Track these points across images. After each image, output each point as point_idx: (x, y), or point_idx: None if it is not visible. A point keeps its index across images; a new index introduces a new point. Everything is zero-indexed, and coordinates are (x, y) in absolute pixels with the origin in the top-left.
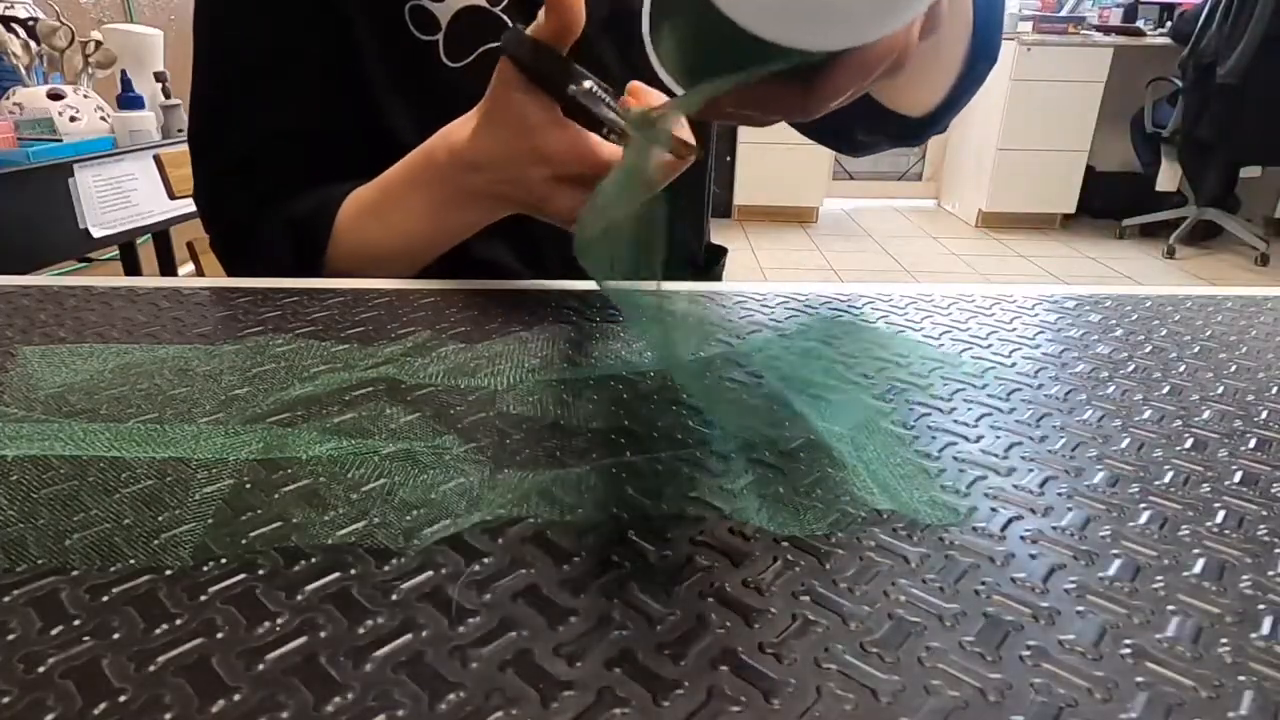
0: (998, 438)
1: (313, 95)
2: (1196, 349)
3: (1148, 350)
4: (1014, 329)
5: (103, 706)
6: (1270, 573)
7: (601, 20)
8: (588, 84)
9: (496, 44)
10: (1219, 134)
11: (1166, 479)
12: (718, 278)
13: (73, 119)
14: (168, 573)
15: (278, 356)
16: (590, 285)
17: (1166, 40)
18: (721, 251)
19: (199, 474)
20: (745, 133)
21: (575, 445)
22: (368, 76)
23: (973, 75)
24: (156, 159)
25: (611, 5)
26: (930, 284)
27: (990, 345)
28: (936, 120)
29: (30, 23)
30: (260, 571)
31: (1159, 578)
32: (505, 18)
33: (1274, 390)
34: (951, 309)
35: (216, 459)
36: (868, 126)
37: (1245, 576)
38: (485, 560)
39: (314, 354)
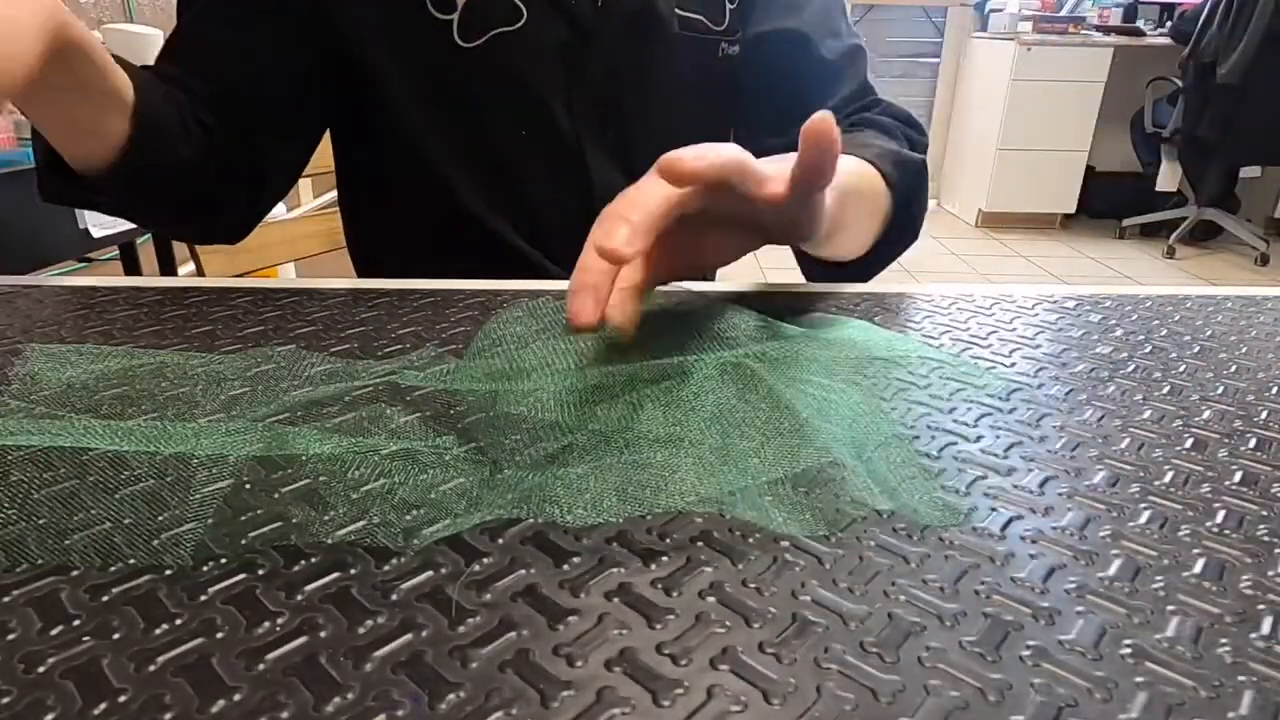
0: (998, 437)
1: (278, 59)
2: (1196, 349)
3: (1148, 350)
4: (1014, 329)
5: (103, 706)
6: (1270, 573)
7: (623, 22)
8: None
9: (508, 28)
10: (1219, 134)
11: (1166, 479)
12: (711, 278)
13: None
14: (168, 573)
15: (279, 358)
16: None
17: (1166, 40)
18: None
19: (199, 474)
20: None
21: (576, 445)
22: (375, 52)
23: (891, 248)
24: None
25: (634, 9)
26: (930, 284)
27: (990, 345)
28: (860, 267)
29: None
30: (260, 571)
31: (1159, 578)
32: (520, 4)
33: (1274, 390)
34: (951, 309)
35: (217, 457)
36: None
37: (1245, 576)
38: (485, 560)
39: (316, 363)
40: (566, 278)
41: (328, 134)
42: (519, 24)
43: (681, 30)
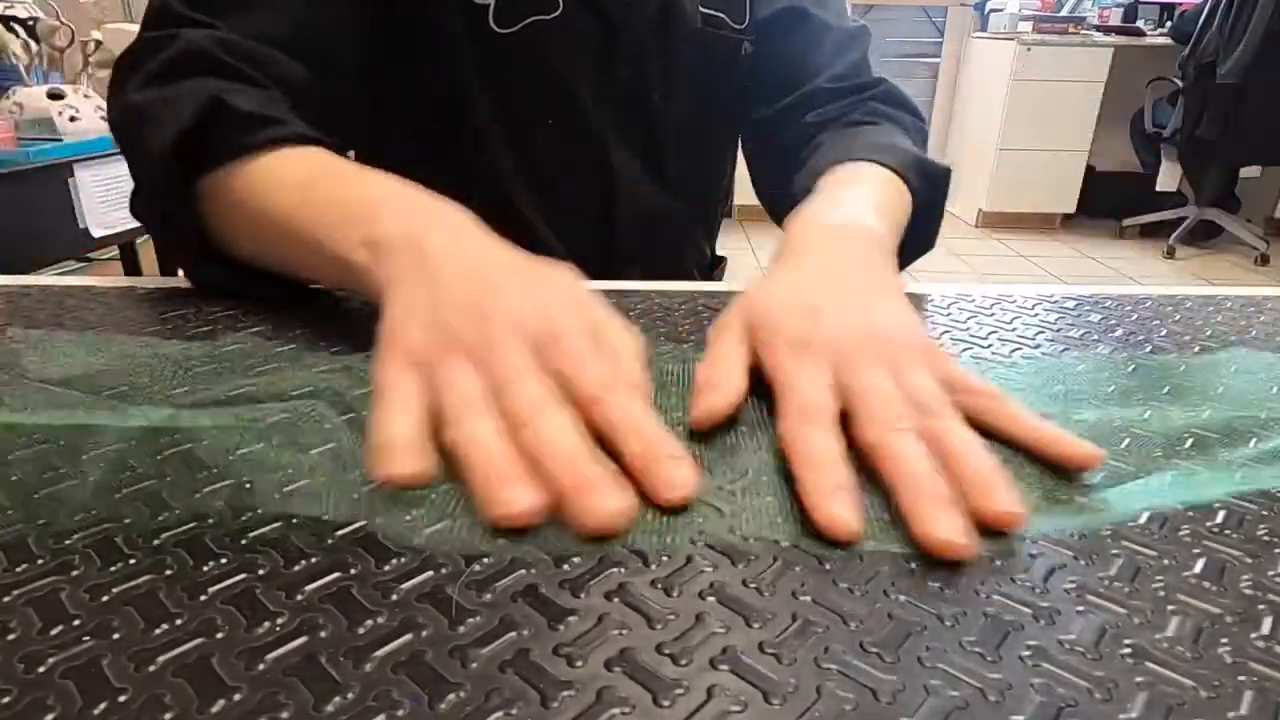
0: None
1: (322, 19)
2: (1196, 349)
3: (1148, 350)
4: (1014, 329)
5: (103, 706)
6: (1270, 573)
7: (650, 18)
8: None
9: (543, 16)
10: (1219, 134)
11: (1167, 479)
12: (719, 279)
13: (72, 119)
14: (168, 573)
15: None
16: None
17: (1166, 40)
18: (720, 260)
19: (199, 474)
20: None
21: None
22: (424, 34)
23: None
24: None
25: (660, 7)
26: (930, 284)
27: (990, 345)
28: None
29: (30, 23)
30: (260, 571)
31: (1159, 578)
32: None
33: (1274, 390)
34: (951, 309)
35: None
36: None
37: (1245, 576)
38: (485, 560)
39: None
40: (591, 276)
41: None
42: (554, 14)
43: (705, 27)
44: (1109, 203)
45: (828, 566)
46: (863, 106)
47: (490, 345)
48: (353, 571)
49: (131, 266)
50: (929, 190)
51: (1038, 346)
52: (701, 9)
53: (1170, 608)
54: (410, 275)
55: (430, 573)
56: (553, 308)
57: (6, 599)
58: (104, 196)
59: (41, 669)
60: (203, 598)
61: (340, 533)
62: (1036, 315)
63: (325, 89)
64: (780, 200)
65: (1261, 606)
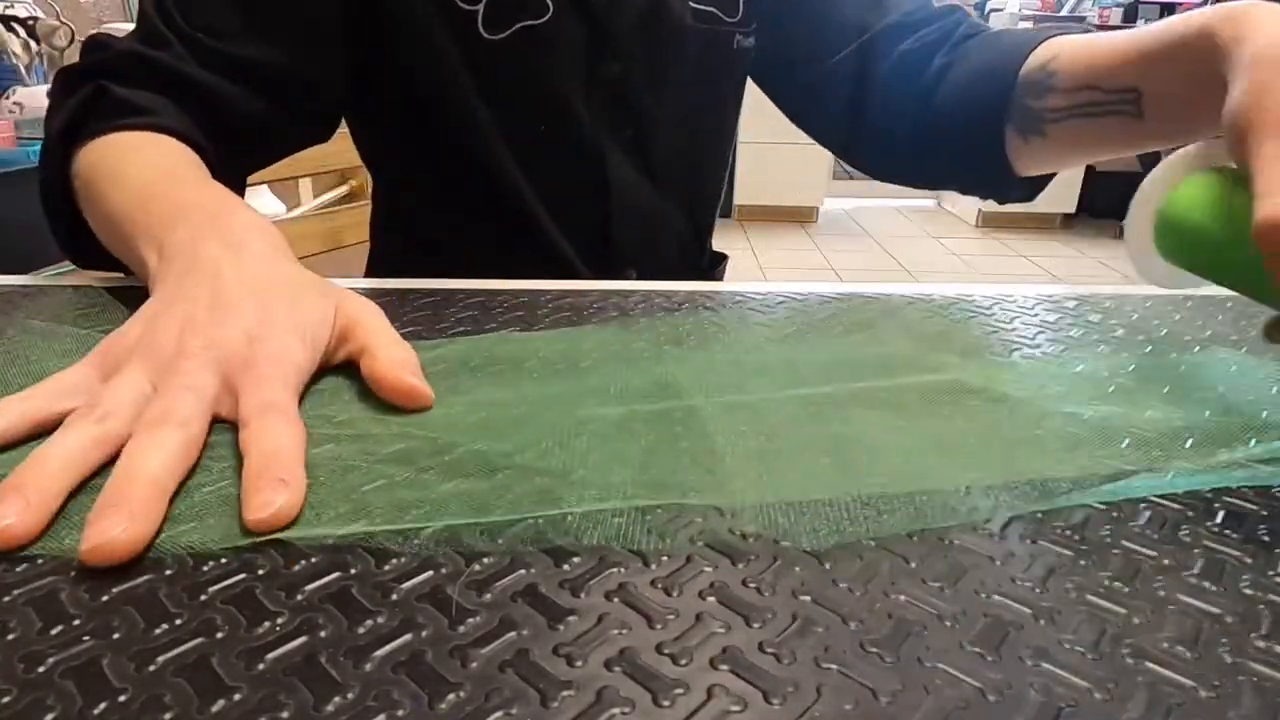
0: None
1: (299, 41)
2: (1196, 349)
3: (1148, 350)
4: (1014, 329)
5: (103, 706)
6: (1270, 573)
7: (638, 16)
8: None
9: (534, 21)
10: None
11: (1167, 479)
12: (719, 279)
13: None
14: (168, 573)
15: None
16: (593, 285)
17: None
18: (722, 258)
19: (197, 475)
20: (745, 133)
21: (575, 447)
22: (410, 39)
23: None
24: None
25: (647, 5)
26: (930, 284)
27: (990, 345)
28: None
29: (30, 22)
30: (260, 571)
31: (1159, 578)
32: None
33: (1274, 390)
34: (951, 309)
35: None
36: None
37: (1245, 576)
38: (485, 560)
39: None
40: (590, 277)
41: (339, 130)
42: (544, 18)
43: (695, 23)
44: (1109, 203)
45: (828, 566)
46: (966, 24)
47: (175, 358)
48: (353, 571)
49: None
50: None
51: (1038, 346)
52: (692, 4)
53: (1170, 608)
54: (169, 281)
55: (430, 573)
56: (264, 332)
57: (6, 599)
58: None
59: (41, 669)
60: (203, 598)
61: (340, 532)
62: (1036, 315)
63: (309, 65)
64: (916, 125)
65: (1261, 606)
